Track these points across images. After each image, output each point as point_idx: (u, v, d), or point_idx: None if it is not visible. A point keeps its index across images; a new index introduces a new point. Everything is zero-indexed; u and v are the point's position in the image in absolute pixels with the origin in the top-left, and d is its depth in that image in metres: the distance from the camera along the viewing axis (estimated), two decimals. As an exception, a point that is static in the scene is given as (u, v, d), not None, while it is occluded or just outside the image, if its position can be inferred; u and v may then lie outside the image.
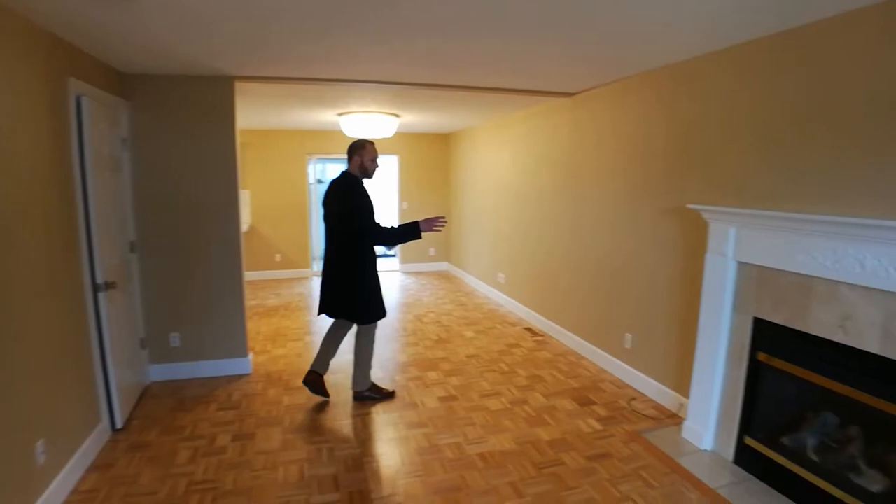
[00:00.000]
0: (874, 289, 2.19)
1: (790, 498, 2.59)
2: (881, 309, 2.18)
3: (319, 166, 9.78)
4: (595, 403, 3.72)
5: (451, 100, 5.11)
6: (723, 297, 2.90)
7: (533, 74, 3.89)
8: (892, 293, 2.12)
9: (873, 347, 2.21)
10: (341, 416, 3.58)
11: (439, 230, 3.55)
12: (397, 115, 6.12)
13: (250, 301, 6.80)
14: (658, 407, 3.63)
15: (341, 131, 6.64)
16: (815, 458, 2.58)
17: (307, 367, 4.18)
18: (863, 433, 2.50)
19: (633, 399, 3.77)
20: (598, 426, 3.39)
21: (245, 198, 7.94)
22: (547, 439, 3.23)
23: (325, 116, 6.27)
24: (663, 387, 3.66)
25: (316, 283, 8.01)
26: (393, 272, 8.87)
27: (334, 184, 3.67)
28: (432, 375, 4.26)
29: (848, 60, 2.35)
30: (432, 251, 8.95)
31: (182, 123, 4.03)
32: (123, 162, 3.92)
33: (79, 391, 3.04)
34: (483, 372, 4.33)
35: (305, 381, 3.80)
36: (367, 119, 5.91)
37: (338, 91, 4.62)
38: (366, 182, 3.66)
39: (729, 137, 3.01)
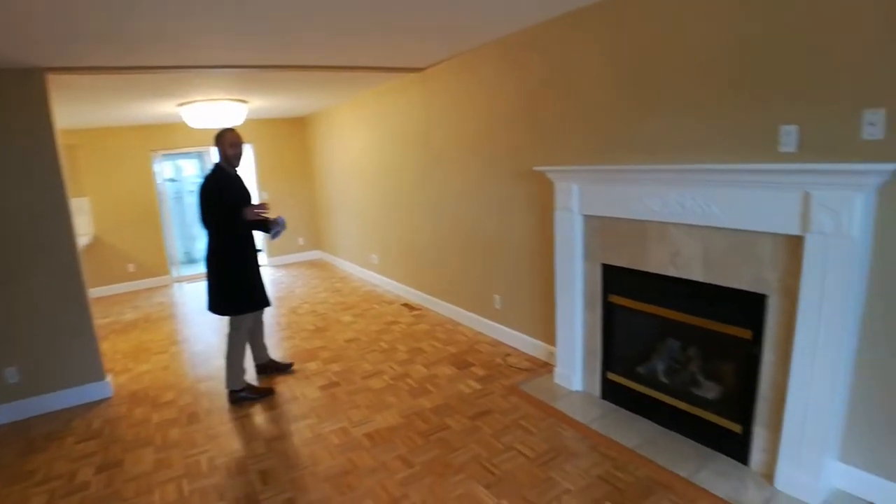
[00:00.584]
0: (694, 225, 2.48)
1: (651, 420, 2.90)
2: (700, 242, 2.48)
3: (171, 163, 9.01)
4: (473, 365, 3.87)
5: (299, 81, 4.91)
6: (573, 248, 3.13)
7: (380, 50, 3.85)
8: (707, 227, 2.42)
9: (698, 276, 2.52)
10: (218, 423, 3.38)
11: (262, 216, 3.54)
12: (245, 102, 5.77)
13: (103, 319, 6.14)
14: (531, 359, 3.86)
15: (186, 123, 6.14)
16: (665, 380, 2.91)
17: (175, 379, 3.93)
18: (699, 351, 2.85)
19: (508, 355, 3.97)
20: (477, 386, 3.53)
21: (83, 205, 7.08)
22: (430, 407, 3.31)
23: (166, 108, 5.74)
24: (534, 339, 3.90)
25: (178, 289, 7.44)
26: (261, 267, 8.45)
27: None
28: (312, 366, 4.16)
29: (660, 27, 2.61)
30: (301, 240, 8.65)
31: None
32: None
33: None
34: (364, 354, 4.31)
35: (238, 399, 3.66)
36: (212, 108, 5.50)
37: (174, 79, 4.24)
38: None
39: (572, 100, 3.21)
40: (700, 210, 2.42)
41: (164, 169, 9.11)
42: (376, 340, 4.59)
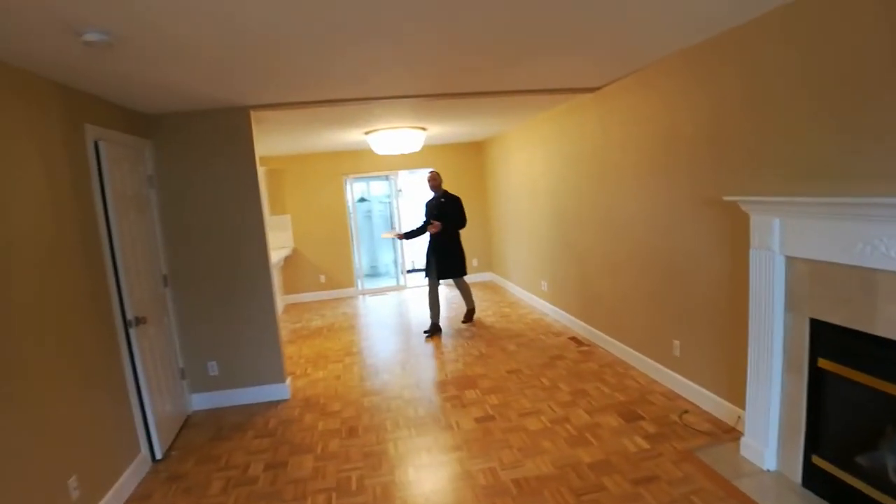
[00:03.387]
0: (952, 281, 1.87)
1: (871, 526, 2.26)
2: (963, 304, 1.85)
3: (363, 185, 9.85)
4: (643, 418, 3.44)
5: (472, 107, 4.96)
6: (772, 296, 2.60)
7: (554, 71, 3.70)
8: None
9: (957, 350, 1.88)
10: (374, 441, 3.47)
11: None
12: (424, 129, 6.03)
13: (294, 324, 6.85)
14: (713, 420, 3.31)
15: (372, 150, 6.62)
16: (897, 479, 2.24)
17: (344, 390, 4.23)
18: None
19: (686, 412, 3.46)
20: (645, 445, 3.11)
21: (286, 222, 8.06)
22: (588, 461, 2.99)
23: (354, 136, 6.25)
24: (717, 397, 3.34)
25: (361, 301, 8.01)
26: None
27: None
28: (470, 394, 4.09)
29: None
30: (475, 262, 8.77)
31: (202, 157, 4.10)
32: (151, 199, 4.00)
33: (115, 425, 3.11)
34: (524, 388, 4.12)
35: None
36: (394, 135, 5.84)
37: (358, 110, 4.57)
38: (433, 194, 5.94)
39: (771, 113, 2.71)
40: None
41: (355, 190, 10.01)
42: (538, 375, 4.37)
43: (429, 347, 5.39)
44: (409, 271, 8.97)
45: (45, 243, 2.61)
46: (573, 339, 5.25)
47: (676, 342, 3.73)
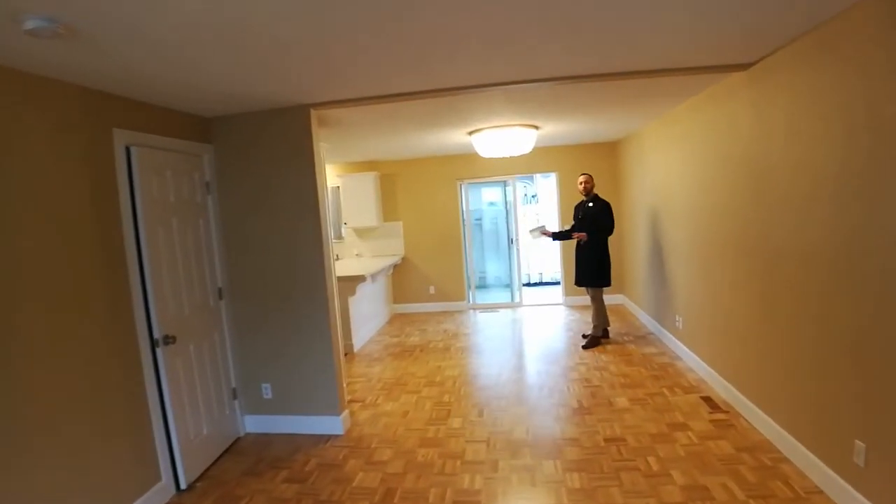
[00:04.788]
0: None
1: None
2: None
3: (492, 189, 9.22)
4: (790, 563, 2.26)
5: (591, 96, 3.99)
6: None
7: (690, 43, 2.67)
8: None
9: None
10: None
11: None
12: (536, 127, 5.14)
13: (392, 338, 6.39)
14: None
15: (496, 157, 5.90)
16: None
17: (404, 433, 3.76)
18: None
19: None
20: None
21: (397, 229, 7.70)
22: None
23: (459, 137, 5.58)
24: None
25: (468, 318, 7.33)
26: (555, 306, 7.73)
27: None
28: (548, 467, 3.16)
29: None
30: (604, 281, 7.61)
31: (261, 160, 3.74)
32: (207, 206, 3.71)
33: (132, 450, 2.86)
34: (620, 469, 3.09)
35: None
36: (500, 135, 5.05)
37: (459, 104, 3.89)
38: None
39: None
40: None
41: (483, 196, 9.38)
42: (646, 452, 3.29)
43: (518, 388, 4.52)
44: (526, 285, 8.11)
45: (60, 259, 2.48)
46: (707, 399, 4.01)
47: (860, 444, 2.45)
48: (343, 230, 7.78)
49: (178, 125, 3.44)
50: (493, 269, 9.46)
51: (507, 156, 5.54)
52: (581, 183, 5.56)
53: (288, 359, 3.84)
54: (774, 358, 3.25)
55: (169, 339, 3.13)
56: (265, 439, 3.84)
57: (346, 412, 3.93)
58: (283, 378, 3.88)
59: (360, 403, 4.36)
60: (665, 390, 4.24)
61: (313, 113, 3.62)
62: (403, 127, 4.77)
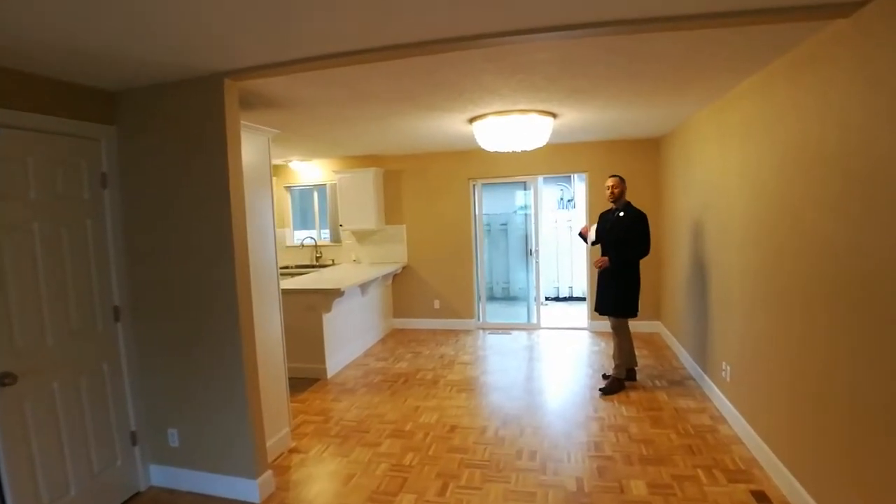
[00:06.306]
0: None
1: None
2: None
3: (523, 193, 8.23)
4: None
5: (618, 63, 2.96)
6: None
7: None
8: None
9: None
10: None
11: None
12: (552, 115, 4.12)
13: (377, 362, 5.50)
14: None
15: (502, 151, 4.91)
16: None
17: None
18: None
19: None
20: None
21: (400, 233, 6.80)
22: None
23: (461, 126, 4.61)
24: None
25: (476, 339, 6.34)
26: (578, 331, 6.62)
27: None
28: None
29: None
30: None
31: (175, 147, 2.90)
32: (103, 203, 2.91)
33: None
34: None
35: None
36: (505, 123, 4.05)
37: (435, 73, 2.95)
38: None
39: None
40: None
41: (516, 198, 8.36)
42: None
43: (503, 451, 3.50)
44: (553, 299, 7.09)
45: None
46: (757, 494, 2.90)
47: None
48: (341, 233, 6.97)
49: (64, 100, 2.66)
50: (519, 280, 8.42)
51: (516, 150, 4.52)
52: (608, 187, 4.43)
53: (197, 401, 3.00)
54: (862, 438, 2.14)
55: (5, 380, 2.33)
56: (170, 497, 3.04)
57: (267, 474, 3.05)
58: (192, 424, 3.04)
59: (301, 456, 3.49)
60: (700, 472, 3.14)
61: (228, 83, 2.75)
62: (372, 109, 3.82)
